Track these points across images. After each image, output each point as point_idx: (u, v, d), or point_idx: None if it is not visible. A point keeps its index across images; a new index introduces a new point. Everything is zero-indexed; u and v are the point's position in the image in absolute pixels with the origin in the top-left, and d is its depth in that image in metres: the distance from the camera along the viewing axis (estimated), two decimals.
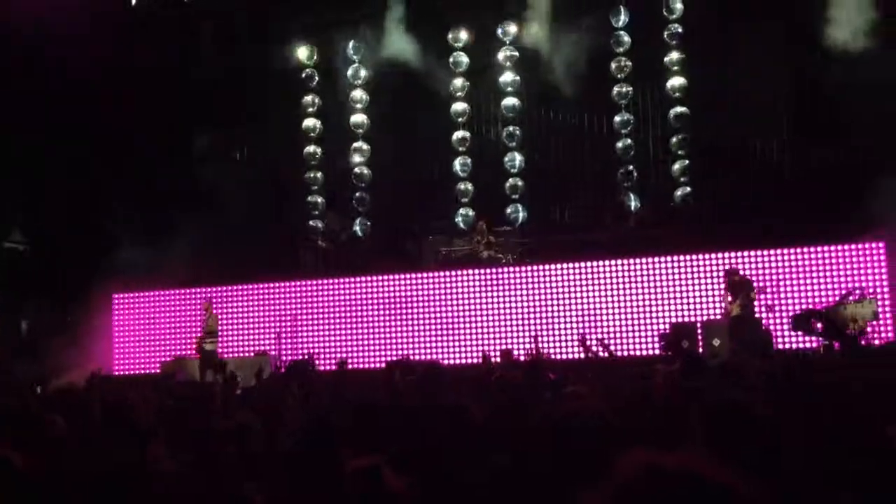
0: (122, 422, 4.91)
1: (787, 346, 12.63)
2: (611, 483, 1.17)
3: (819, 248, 13.37)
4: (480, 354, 10.40)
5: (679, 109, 16.05)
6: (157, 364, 15.07)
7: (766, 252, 13.49)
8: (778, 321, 12.90)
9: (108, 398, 5.35)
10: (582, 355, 10.28)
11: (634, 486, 1.13)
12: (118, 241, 15.98)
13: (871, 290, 12.48)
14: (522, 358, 10.33)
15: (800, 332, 11.92)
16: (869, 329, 11.82)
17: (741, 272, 12.74)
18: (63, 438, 4.88)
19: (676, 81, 16.13)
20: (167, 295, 15.42)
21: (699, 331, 12.53)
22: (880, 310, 12.18)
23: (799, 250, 13.43)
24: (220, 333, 14.38)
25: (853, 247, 13.25)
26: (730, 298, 12.37)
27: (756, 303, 12.36)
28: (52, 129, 14.76)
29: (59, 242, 15.97)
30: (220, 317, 14.74)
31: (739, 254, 13.56)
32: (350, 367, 12.64)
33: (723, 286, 12.80)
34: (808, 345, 11.98)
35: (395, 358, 11.87)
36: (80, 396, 7.29)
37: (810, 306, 12.54)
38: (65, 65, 14.66)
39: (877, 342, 11.78)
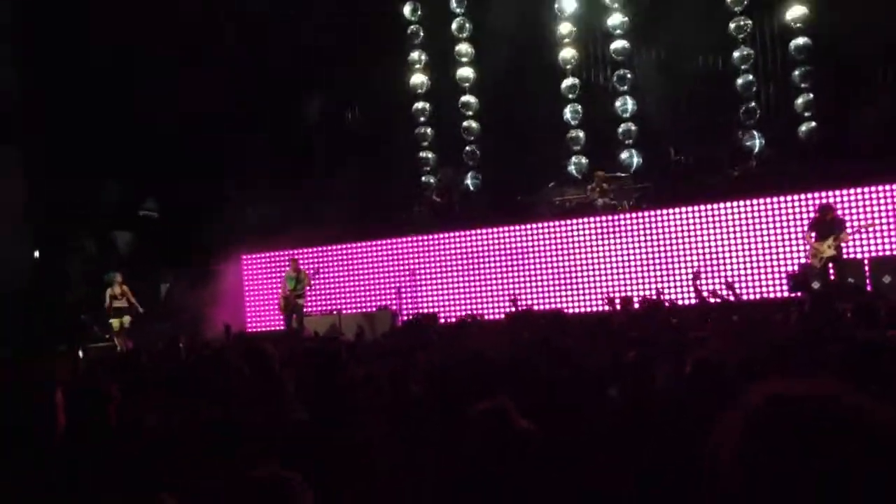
0: (262, 372, 5.17)
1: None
2: (741, 410, 1.16)
3: None
4: (606, 299, 10.23)
5: (800, 41, 15.17)
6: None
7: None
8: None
9: (249, 348, 5.60)
10: (695, 294, 10.04)
11: (765, 411, 1.12)
12: (245, 205, 16.68)
13: None
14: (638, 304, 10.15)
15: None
16: None
17: (835, 211, 12.05)
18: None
19: (797, 11, 15.22)
20: (292, 254, 15.99)
21: (866, 267, 11.90)
22: None
23: None
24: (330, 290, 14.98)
25: None
26: (814, 235, 11.76)
27: (846, 245, 11.72)
28: (183, 100, 15.42)
29: (190, 208, 16.77)
30: (339, 274, 15.29)
31: (869, 189, 12.80)
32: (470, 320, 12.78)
33: (810, 221, 12.16)
34: None
35: (515, 309, 11.94)
36: (220, 350, 7.72)
37: None
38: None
39: None
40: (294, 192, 15.89)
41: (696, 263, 13.64)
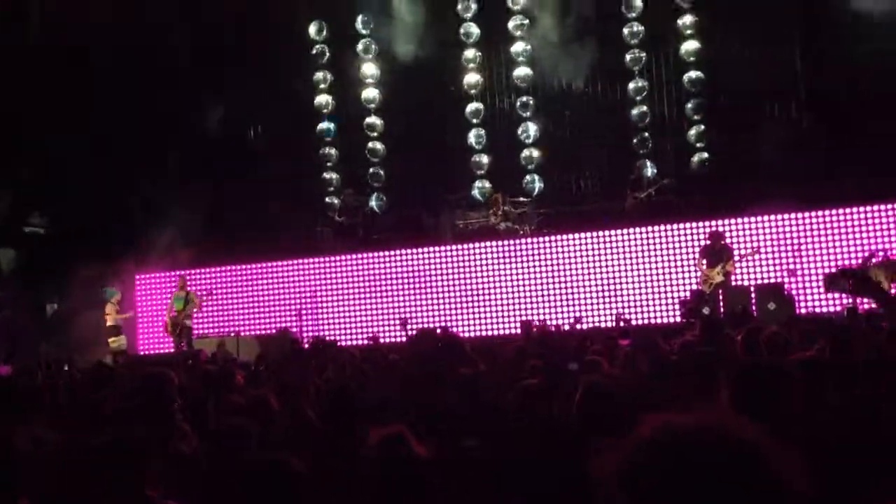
0: (156, 398, 4.96)
1: (810, 310, 12.57)
2: (629, 442, 1.16)
3: (839, 211, 13.22)
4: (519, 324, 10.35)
5: (693, 74, 15.86)
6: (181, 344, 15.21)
7: (784, 216, 13.37)
8: (800, 286, 12.84)
9: (145, 374, 5.40)
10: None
11: (652, 444, 1.12)
12: (138, 223, 16.10)
13: (893, 252, 12.36)
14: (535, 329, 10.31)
15: (834, 292, 11.77)
16: (893, 291, 11.72)
17: (725, 239, 12.69)
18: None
19: (690, 45, 15.92)
20: (182, 274, 15.49)
21: (752, 295, 12.41)
22: None
23: (819, 213, 13.29)
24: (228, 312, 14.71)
25: (875, 208, 13.09)
26: (705, 262, 12.37)
27: (734, 273, 12.35)
28: (68, 111, 14.80)
29: (79, 225, 16.07)
30: (238, 295, 14.98)
31: (758, 218, 13.45)
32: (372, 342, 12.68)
33: (701, 248, 12.77)
34: (831, 309, 11.92)
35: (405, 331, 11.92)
36: (111, 373, 7.40)
37: (837, 268, 12.43)
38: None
39: None
40: (192, 210, 15.42)
41: (593, 288, 13.98)
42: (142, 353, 15.88)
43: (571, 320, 12.47)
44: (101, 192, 15.85)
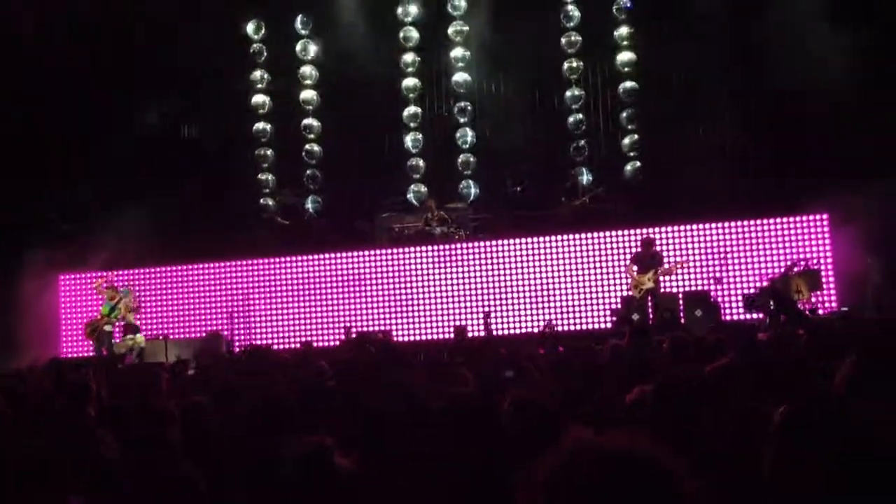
0: (75, 407, 4.81)
1: (735, 318, 12.91)
2: (545, 464, 1.17)
3: (764, 221, 13.63)
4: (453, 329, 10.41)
5: (628, 84, 16.14)
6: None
7: (712, 225, 13.72)
8: (725, 293, 13.19)
9: (67, 382, 5.24)
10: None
11: (568, 468, 1.12)
12: (62, 221, 15.61)
13: (814, 262, 12.79)
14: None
15: (754, 312, 12.11)
16: (813, 300, 12.13)
17: (656, 246, 13.00)
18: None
19: (625, 56, 16.22)
20: (118, 276, 15.07)
21: (680, 302, 12.67)
22: (823, 281, 12.52)
23: (745, 223, 13.68)
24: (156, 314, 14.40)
25: (797, 219, 13.54)
26: (636, 268, 12.67)
27: (662, 278, 12.67)
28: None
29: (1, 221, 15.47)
30: (167, 297, 14.65)
31: (687, 227, 13.79)
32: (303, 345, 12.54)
33: (632, 255, 13.06)
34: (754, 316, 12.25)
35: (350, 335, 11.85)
36: (28, 380, 7.13)
37: (759, 283, 12.81)
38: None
39: (820, 312, 12.08)
40: (121, 208, 14.99)
41: (528, 294, 14.11)
42: (66, 355, 15.37)
43: (542, 324, 12.55)
44: (24, 189, 15.29)
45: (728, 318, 12.85)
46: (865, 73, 12.70)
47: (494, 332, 10.80)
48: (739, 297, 12.98)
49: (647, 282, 12.50)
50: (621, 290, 13.60)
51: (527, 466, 1.27)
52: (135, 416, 4.69)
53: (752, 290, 12.67)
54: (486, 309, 13.53)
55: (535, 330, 13.10)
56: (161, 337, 14.61)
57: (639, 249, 13.06)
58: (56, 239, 15.37)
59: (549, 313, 13.67)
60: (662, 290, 12.89)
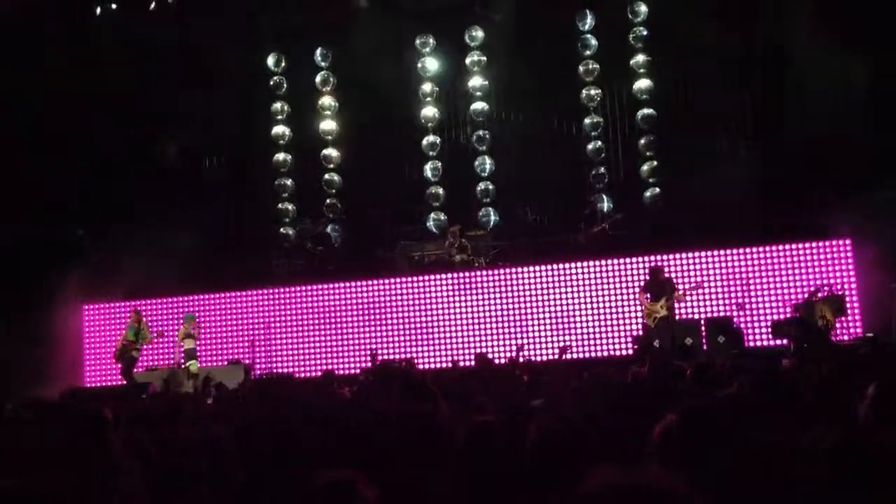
0: (92, 437, 4.81)
1: (758, 344, 12.79)
2: (573, 499, 1.17)
3: (787, 246, 13.53)
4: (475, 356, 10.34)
5: (646, 111, 16.17)
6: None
7: (733, 251, 13.63)
8: (749, 320, 13.07)
9: (86, 412, 5.22)
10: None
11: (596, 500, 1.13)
12: (87, 252, 15.77)
13: (838, 287, 12.66)
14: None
15: (781, 338, 11.99)
16: (837, 325, 12.00)
17: (664, 273, 12.91)
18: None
19: (643, 83, 16.27)
20: (139, 305, 15.19)
21: (702, 328, 12.56)
22: (848, 306, 12.38)
23: (767, 248, 13.58)
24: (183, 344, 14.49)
25: (821, 244, 13.43)
26: (648, 296, 12.57)
27: (678, 304, 12.56)
28: (12, 137, 14.55)
29: (24, 253, 15.63)
30: (195, 326, 14.75)
31: (707, 253, 13.70)
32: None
33: (643, 283, 12.96)
34: (779, 342, 12.14)
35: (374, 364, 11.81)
36: (53, 410, 7.16)
37: (782, 309, 12.69)
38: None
39: (845, 338, 11.95)
40: (145, 239, 15.13)
41: (549, 320, 14.06)
42: (89, 385, 15.47)
43: (558, 350, 12.41)
44: (50, 219, 15.51)
45: (750, 344, 12.73)
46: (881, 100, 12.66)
47: (565, 356, 10.69)
48: (762, 323, 12.86)
49: (660, 310, 12.40)
50: (642, 317, 13.51)
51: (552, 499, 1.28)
52: (158, 449, 4.69)
53: (777, 317, 12.56)
54: (521, 342, 13.27)
55: (554, 356, 13.02)
56: (182, 366, 14.67)
57: (648, 278, 13.00)
58: (80, 269, 15.51)
59: (569, 340, 13.61)
60: (682, 316, 12.80)
